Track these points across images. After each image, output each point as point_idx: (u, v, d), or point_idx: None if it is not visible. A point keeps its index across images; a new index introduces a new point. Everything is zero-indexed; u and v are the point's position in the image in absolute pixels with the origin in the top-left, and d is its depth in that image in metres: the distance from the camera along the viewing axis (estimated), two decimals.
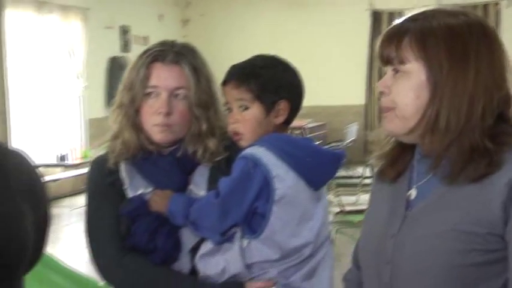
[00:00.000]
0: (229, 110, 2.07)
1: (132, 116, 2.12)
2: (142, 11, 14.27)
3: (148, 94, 2.09)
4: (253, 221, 1.99)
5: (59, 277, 5.13)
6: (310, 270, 2.04)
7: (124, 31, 13.80)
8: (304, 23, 14.45)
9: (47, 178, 10.84)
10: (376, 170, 1.82)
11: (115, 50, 13.53)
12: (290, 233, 1.98)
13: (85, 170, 10.48)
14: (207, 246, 2.03)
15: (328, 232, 2.13)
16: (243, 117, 2.04)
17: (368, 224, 1.82)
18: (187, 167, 2.14)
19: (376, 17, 14.47)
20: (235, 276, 2.01)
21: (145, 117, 2.10)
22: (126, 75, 2.15)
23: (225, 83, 2.07)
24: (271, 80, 2.04)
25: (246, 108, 2.04)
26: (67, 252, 7.76)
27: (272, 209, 1.96)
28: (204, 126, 2.11)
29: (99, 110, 13.03)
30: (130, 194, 2.12)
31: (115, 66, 13.30)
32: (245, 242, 1.99)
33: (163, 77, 2.09)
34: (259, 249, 1.98)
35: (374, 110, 14.56)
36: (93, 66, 12.70)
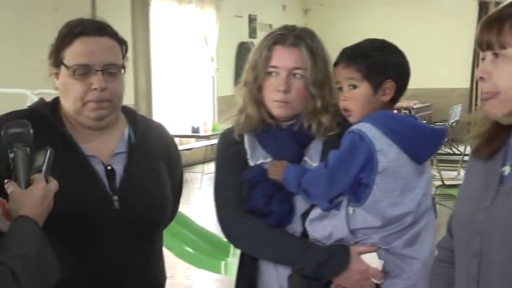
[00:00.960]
0: (340, 88, 2.04)
1: (255, 92, 2.12)
2: (267, 1, 14.29)
3: (270, 73, 2.09)
4: (358, 191, 1.95)
5: (193, 234, 5.28)
6: (412, 237, 2.00)
7: (251, 19, 13.89)
8: (414, 12, 14.10)
9: (182, 147, 11.15)
10: (472, 148, 1.75)
11: (243, 36, 13.62)
12: (392, 202, 1.94)
13: (214, 140, 10.70)
14: (316, 212, 2.02)
15: (429, 203, 2.06)
16: (352, 95, 2.01)
17: (462, 197, 1.76)
18: (303, 140, 2.12)
19: (483, 6, 14.01)
20: (341, 240, 1.99)
21: (266, 94, 2.10)
22: (251, 56, 2.16)
23: (336, 63, 2.04)
24: (378, 61, 1.99)
25: (355, 87, 2.00)
26: (198, 212, 7.93)
27: (375, 180, 1.93)
28: (319, 104, 2.08)
29: (228, 88, 13.16)
30: (251, 162, 2.13)
31: (243, 51, 13.39)
32: (350, 209, 1.97)
33: (283, 58, 2.08)
34: (363, 217, 1.95)
35: (478, 93, 14.19)
36: (224, 51, 12.86)
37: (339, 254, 1.99)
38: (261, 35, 14.53)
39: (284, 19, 14.60)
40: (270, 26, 14.28)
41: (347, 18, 14.47)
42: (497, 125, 1.61)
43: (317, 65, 2.07)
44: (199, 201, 9.19)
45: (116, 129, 2.08)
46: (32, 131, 1.72)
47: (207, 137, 10.69)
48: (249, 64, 2.15)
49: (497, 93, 1.52)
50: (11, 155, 1.67)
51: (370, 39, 2.08)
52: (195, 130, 10.55)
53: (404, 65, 2.06)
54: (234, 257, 4.93)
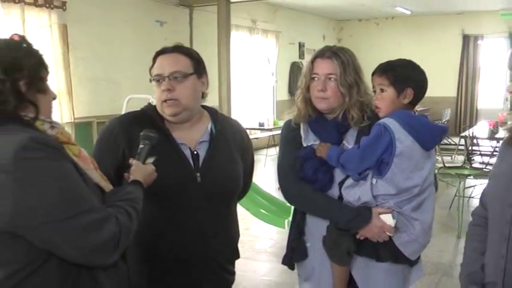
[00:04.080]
0: (374, 92, 2.00)
1: (305, 93, 2.09)
2: (312, 33, 14.12)
3: (313, 78, 2.06)
4: (381, 167, 1.91)
5: (261, 198, 5.31)
6: (418, 204, 1.95)
7: (300, 46, 13.72)
8: (417, 42, 13.76)
9: (251, 136, 11.10)
10: (505, 138, 1.71)
11: (295, 58, 13.49)
12: (405, 177, 1.90)
13: (275, 132, 10.74)
14: (349, 181, 1.98)
15: (432, 179, 2.00)
16: (382, 97, 1.96)
17: (495, 177, 1.69)
18: (342, 129, 2.07)
19: (465, 38, 13.70)
20: (366, 203, 1.96)
21: (311, 93, 2.07)
22: (303, 68, 2.14)
23: (373, 74, 2.00)
24: (401, 73, 1.95)
25: (384, 91, 1.96)
26: (263, 183, 7.97)
27: (393, 160, 1.88)
28: (347, 99, 2.03)
29: (283, 95, 13.17)
30: (304, 144, 2.09)
31: (294, 68, 13.32)
32: (374, 180, 1.93)
33: (321, 67, 2.04)
34: (382, 186, 1.92)
35: (462, 100, 13.83)
36: (281, 68, 12.80)
37: (363, 213, 1.95)
38: (307, 57, 14.56)
39: (323, 46, 14.52)
40: (314, 50, 14.09)
41: (368, 45, 14.14)
42: None
43: (346, 72, 2.02)
44: (263, 175, 9.22)
45: (201, 124, 2.03)
46: (157, 139, 1.79)
47: (270, 130, 10.64)
48: (302, 74, 2.13)
49: None
50: (141, 146, 1.77)
51: (400, 58, 2.03)
52: (261, 124, 10.56)
53: (422, 78, 2.00)
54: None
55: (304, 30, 13.73)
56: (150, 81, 1.96)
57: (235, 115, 10.01)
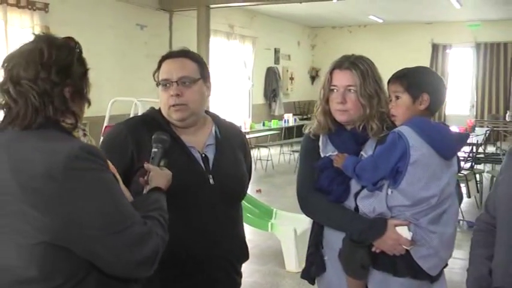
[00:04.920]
0: (390, 99, 1.91)
1: (324, 105, 2.00)
2: (287, 39, 14.14)
3: (332, 90, 1.97)
4: (396, 176, 1.80)
5: (245, 201, 5.18)
6: (436, 215, 1.83)
7: (276, 51, 13.75)
8: (389, 47, 13.93)
9: None
10: (510, 149, 1.70)
11: (270, 63, 13.51)
12: (420, 187, 1.79)
13: (252, 135, 10.70)
14: (364, 192, 1.88)
15: (452, 190, 1.87)
16: (397, 104, 1.87)
17: (503, 184, 1.66)
18: (361, 140, 1.97)
19: (434, 47, 14.02)
20: (381, 214, 1.85)
21: (331, 105, 1.98)
22: (322, 79, 2.05)
23: (388, 82, 1.91)
24: (416, 79, 1.86)
25: (399, 98, 1.87)
26: None
27: (407, 169, 1.78)
28: (368, 111, 1.93)
29: (259, 99, 13.19)
30: (322, 154, 2.00)
31: (270, 73, 13.37)
32: (389, 191, 1.82)
33: (340, 78, 1.95)
34: (397, 196, 1.81)
35: None
36: (257, 73, 12.80)
37: (378, 225, 1.85)
38: (282, 62, 14.56)
39: (298, 51, 14.61)
40: (289, 56, 14.25)
41: (342, 51, 13.49)
42: None
43: (366, 82, 1.92)
44: None
45: (206, 128, 1.99)
46: (169, 142, 1.73)
47: (246, 133, 10.58)
48: (320, 86, 2.04)
49: None
50: (154, 149, 1.69)
51: (417, 66, 1.95)
52: None
53: (439, 84, 1.91)
54: (275, 219, 4.93)
55: (280, 36, 13.72)
56: (157, 85, 1.91)
57: None
